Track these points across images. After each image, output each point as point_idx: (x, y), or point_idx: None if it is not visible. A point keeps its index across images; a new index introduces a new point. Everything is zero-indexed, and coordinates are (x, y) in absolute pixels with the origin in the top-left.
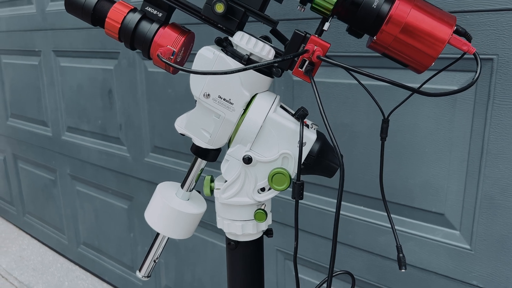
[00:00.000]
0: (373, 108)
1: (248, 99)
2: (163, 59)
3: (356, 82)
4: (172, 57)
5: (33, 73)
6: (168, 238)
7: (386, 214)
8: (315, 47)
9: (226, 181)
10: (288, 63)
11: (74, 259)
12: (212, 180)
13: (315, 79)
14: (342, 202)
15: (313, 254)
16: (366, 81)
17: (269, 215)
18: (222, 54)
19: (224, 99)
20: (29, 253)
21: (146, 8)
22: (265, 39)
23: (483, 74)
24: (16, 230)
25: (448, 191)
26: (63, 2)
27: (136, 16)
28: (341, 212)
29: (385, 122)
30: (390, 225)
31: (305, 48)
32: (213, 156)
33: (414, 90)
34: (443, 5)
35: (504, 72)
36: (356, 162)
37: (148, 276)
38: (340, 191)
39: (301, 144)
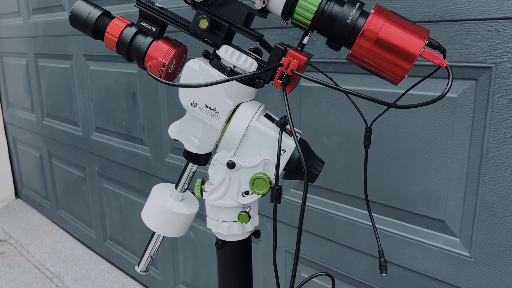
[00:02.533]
0: (376, 113)
1: (232, 108)
2: (149, 72)
3: (359, 88)
4: (163, 69)
5: (66, 76)
6: (164, 236)
7: (390, 219)
8: (292, 61)
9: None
10: (269, 75)
11: (101, 253)
12: (203, 183)
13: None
14: (347, 206)
15: (319, 256)
16: (358, 87)
17: (255, 217)
18: (208, 67)
19: (210, 108)
20: (61, 246)
21: (142, 23)
22: (255, 50)
23: (482, 82)
24: (50, 223)
25: (448, 198)
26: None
27: (132, 31)
28: (345, 216)
29: (368, 130)
30: (392, 230)
31: (280, 62)
32: (203, 160)
33: (389, 105)
34: (442, 14)
35: (502, 81)
36: (359, 167)
37: (146, 271)
38: (304, 197)
39: (279, 151)
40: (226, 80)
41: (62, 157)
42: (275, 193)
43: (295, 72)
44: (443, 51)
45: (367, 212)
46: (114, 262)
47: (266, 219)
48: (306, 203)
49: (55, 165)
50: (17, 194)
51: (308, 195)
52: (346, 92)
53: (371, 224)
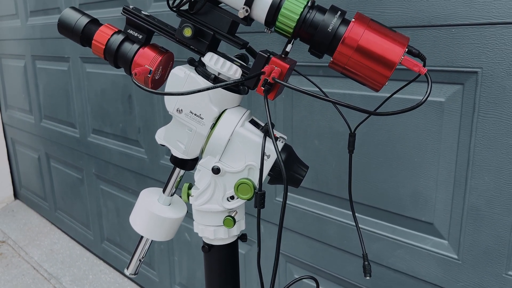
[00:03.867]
0: (361, 119)
1: (217, 114)
2: (133, 80)
3: (349, 92)
4: (149, 75)
5: (63, 78)
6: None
7: (379, 221)
8: (275, 68)
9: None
10: (252, 82)
11: (98, 254)
12: (190, 187)
13: (311, 87)
14: (338, 208)
15: (311, 258)
16: (349, 91)
17: (242, 221)
18: (193, 74)
19: (195, 114)
20: (59, 247)
21: (129, 31)
22: (241, 57)
23: (469, 87)
24: (48, 224)
25: (436, 201)
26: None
27: (119, 38)
28: (336, 218)
29: (352, 136)
30: (382, 233)
31: (262, 70)
32: (190, 165)
33: (369, 112)
34: (429, 19)
35: (488, 85)
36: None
37: (135, 274)
38: (284, 202)
39: (263, 157)
40: (208, 88)
41: (60, 159)
42: (259, 198)
43: (277, 80)
44: (423, 59)
45: (357, 215)
46: (111, 263)
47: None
48: (298, 205)
49: (53, 167)
50: (15, 195)
51: (299, 197)
52: (326, 100)
53: (361, 227)
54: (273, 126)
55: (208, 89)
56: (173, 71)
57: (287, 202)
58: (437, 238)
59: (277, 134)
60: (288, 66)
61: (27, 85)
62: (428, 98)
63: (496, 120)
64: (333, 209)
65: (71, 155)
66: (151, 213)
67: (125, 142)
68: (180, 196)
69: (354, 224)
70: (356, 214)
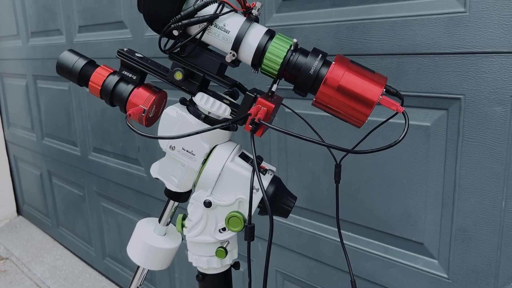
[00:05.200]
0: (356, 139)
1: (208, 151)
2: (127, 122)
3: None
4: (143, 114)
5: (64, 97)
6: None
7: (372, 241)
8: (261, 108)
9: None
10: (242, 120)
11: (101, 270)
12: (184, 218)
13: (305, 111)
14: (332, 228)
15: (307, 275)
16: None
17: (234, 250)
18: (184, 113)
19: (187, 151)
20: (62, 263)
21: (123, 72)
22: (231, 94)
23: (453, 112)
24: (51, 240)
25: (426, 221)
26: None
27: (114, 79)
28: (331, 237)
29: (337, 167)
30: (375, 252)
31: (249, 112)
32: (184, 197)
33: (347, 150)
34: (414, 47)
35: (471, 111)
36: (343, 190)
37: None
38: (270, 236)
39: (251, 191)
40: (197, 132)
41: (62, 176)
42: (248, 231)
43: (262, 121)
44: (400, 97)
45: (351, 234)
46: (114, 279)
47: (257, 240)
48: (294, 224)
49: (55, 184)
50: (18, 211)
51: (296, 216)
52: (306, 140)
53: (355, 246)
54: (261, 159)
55: (197, 133)
56: (165, 111)
57: (283, 221)
58: (428, 258)
59: (266, 166)
60: (273, 105)
61: (29, 103)
62: (415, 123)
63: (480, 144)
64: (328, 228)
65: (72, 172)
66: (147, 244)
67: (125, 160)
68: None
69: (347, 243)
70: (349, 233)
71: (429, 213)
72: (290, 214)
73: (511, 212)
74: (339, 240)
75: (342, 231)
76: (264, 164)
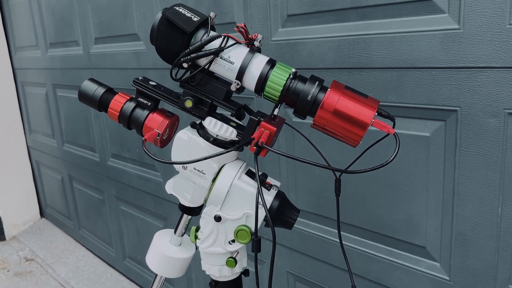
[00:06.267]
0: (360, 148)
1: (217, 170)
2: (144, 149)
3: None
4: (158, 138)
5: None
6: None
7: (378, 244)
8: (264, 131)
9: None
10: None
11: (121, 271)
12: (197, 230)
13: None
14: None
15: (317, 277)
16: None
17: (244, 259)
18: (195, 137)
19: (198, 170)
20: (84, 264)
21: (139, 99)
22: (237, 114)
23: (450, 123)
24: (73, 242)
25: (427, 226)
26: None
27: (131, 105)
28: (337, 240)
29: (337, 181)
30: (381, 255)
31: (252, 136)
32: (197, 211)
33: (340, 171)
34: (412, 62)
35: (467, 123)
36: (350, 196)
37: None
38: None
39: (257, 206)
40: (207, 158)
41: (82, 180)
42: (255, 244)
43: (264, 145)
44: (392, 119)
45: (358, 238)
46: (134, 279)
47: (269, 243)
48: (303, 228)
49: (75, 188)
50: (42, 214)
51: (305, 220)
52: (302, 161)
53: (362, 249)
54: (265, 176)
55: (206, 158)
56: (178, 134)
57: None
58: (430, 261)
59: (271, 181)
60: (275, 129)
61: (49, 111)
62: (415, 133)
63: (476, 154)
64: (334, 232)
65: (92, 177)
66: (163, 255)
67: (143, 166)
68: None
69: (354, 246)
70: (356, 237)
71: (431, 218)
72: (299, 219)
73: (507, 218)
74: (345, 243)
75: (349, 235)
76: (269, 180)
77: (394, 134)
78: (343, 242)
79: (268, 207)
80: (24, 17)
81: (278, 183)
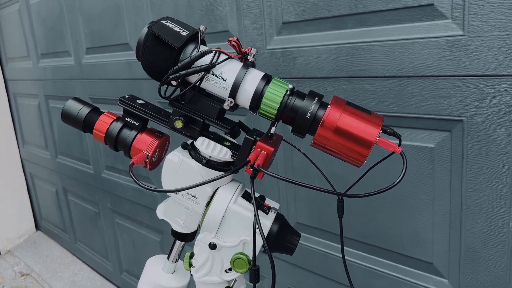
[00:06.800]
0: (362, 168)
1: (211, 194)
2: (130, 173)
3: None
4: (147, 160)
5: None
6: None
7: (382, 259)
8: (260, 152)
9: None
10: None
11: (119, 285)
12: (191, 256)
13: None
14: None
15: None
16: None
17: (242, 287)
18: (186, 159)
19: (191, 195)
20: (81, 278)
21: (126, 119)
22: (232, 132)
23: (456, 134)
24: (69, 255)
25: (434, 241)
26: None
27: (118, 126)
28: (340, 256)
29: (340, 202)
30: (386, 271)
31: (247, 159)
32: (190, 237)
33: (341, 194)
34: (414, 70)
35: (474, 133)
36: (352, 210)
37: None
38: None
39: (254, 233)
40: (199, 185)
41: (77, 193)
42: (253, 274)
43: (260, 169)
44: (398, 137)
45: (361, 253)
46: None
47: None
48: (305, 243)
49: (70, 200)
50: (37, 227)
51: (307, 235)
52: (303, 186)
53: (365, 264)
54: (263, 199)
55: (198, 185)
56: (168, 157)
57: None
58: (438, 277)
59: (269, 203)
60: (272, 149)
61: (41, 123)
62: (419, 144)
63: (484, 166)
64: (337, 247)
65: (87, 189)
66: (156, 284)
67: (137, 178)
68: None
69: (357, 262)
70: (360, 252)
71: (437, 233)
72: (301, 233)
73: None
74: (349, 258)
75: (352, 249)
76: (267, 202)
77: (400, 153)
78: (345, 257)
79: (266, 233)
80: (15, 27)
81: (277, 205)
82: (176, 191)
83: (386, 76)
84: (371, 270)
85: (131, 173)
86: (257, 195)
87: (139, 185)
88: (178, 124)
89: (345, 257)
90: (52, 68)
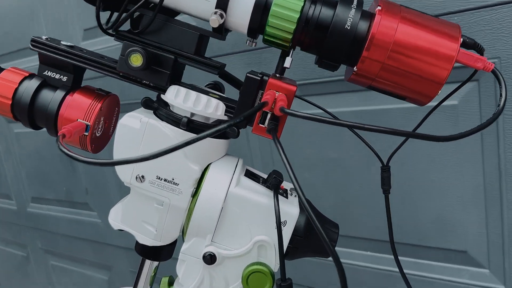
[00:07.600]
0: (388, 142)
1: (199, 175)
2: (60, 147)
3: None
4: (86, 134)
5: None
6: None
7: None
8: (277, 94)
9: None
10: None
11: None
12: (171, 283)
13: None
14: (348, 249)
15: None
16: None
17: None
18: (152, 121)
19: (165, 180)
20: None
21: (45, 73)
22: (214, 86)
23: (485, 83)
24: None
25: (466, 224)
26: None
27: (33, 85)
28: (346, 260)
29: (385, 170)
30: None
31: (262, 101)
32: (166, 253)
33: (408, 135)
34: (422, 8)
35: (510, 77)
36: (354, 201)
37: None
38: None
39: (279, 225)
40: (187, 144)
41: None
42: None
43: (288, 111)
44: (481, 51)
45: (371, 253)
46: None
47: None
48: None
49: None
50: None
51: None
52: (366, 128)
53: (379, 267)
54: (281, 176)
55: (185, 145)
56: (121, 121)
57: None
58: (475, 268)
59: (287, 186)
60: (295, 88)
61: None
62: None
63: None
64: (343, 251)
65: (9, 231)
66: None
67: (72, 207)
68: None
69: (365, 264)
70: (369, 252)
71: (470, 213)
72: None
73: None
74: (355, 262)
75: (357, 251)
76: (283, 184)
77: (492, 70)
78: (352, 262)
79: (293, 226)
80: None
81: (290, 186)
82: (136, 161)
83: None
84: (384, 272)
85: (62, 149)
86: (262, 174)
87: (73, 157)
88: (136, 60)
89: (351, 261)
90: None
